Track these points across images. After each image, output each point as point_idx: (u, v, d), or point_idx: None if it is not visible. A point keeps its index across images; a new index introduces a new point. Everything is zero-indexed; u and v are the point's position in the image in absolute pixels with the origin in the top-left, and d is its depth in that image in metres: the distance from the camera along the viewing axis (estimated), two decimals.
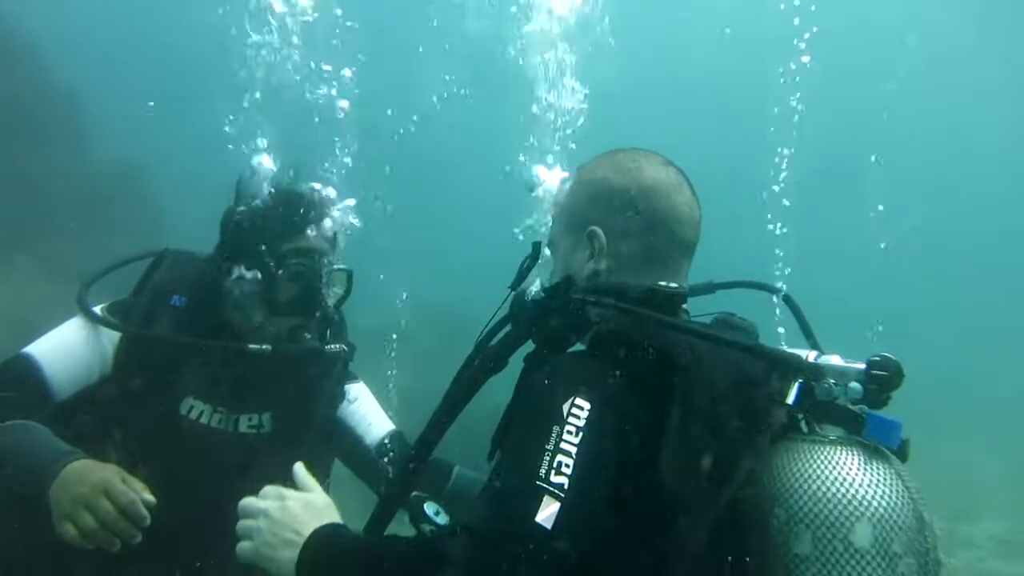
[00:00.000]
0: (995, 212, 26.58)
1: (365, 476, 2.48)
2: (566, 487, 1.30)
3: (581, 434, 1.35)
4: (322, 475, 2.42)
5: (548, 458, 1.33)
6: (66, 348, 2.18)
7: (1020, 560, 8.54)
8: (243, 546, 1.58)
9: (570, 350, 1.60)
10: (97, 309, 2.23)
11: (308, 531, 1.51)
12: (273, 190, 2.32)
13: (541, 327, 1.61)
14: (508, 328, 1.72)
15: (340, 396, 2.43)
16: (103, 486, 1.82)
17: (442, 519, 1.95)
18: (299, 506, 1.58)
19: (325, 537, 1.50)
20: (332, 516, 1.58)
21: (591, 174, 1.73)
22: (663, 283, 1.60)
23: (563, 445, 1.34)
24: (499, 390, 1.64)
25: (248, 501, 1.62)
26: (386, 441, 2.43)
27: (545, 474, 1.31)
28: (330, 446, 2.44)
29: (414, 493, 1.94)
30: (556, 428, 1.36)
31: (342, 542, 1.49)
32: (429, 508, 1.91)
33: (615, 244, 1.64)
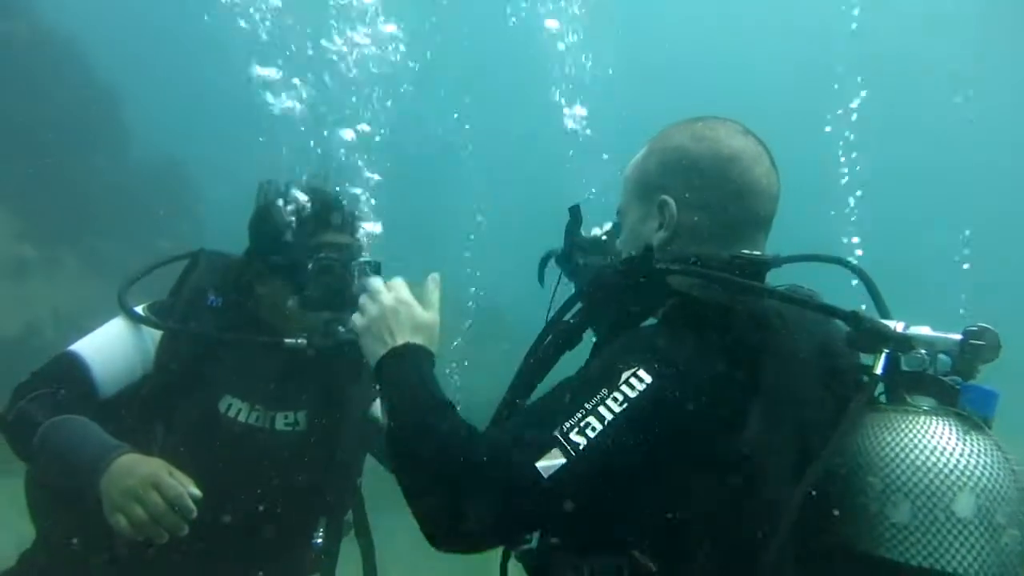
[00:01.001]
0: None
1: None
2: (580, 448, 1.29)
3: (626, 405, 1.32)
4: (356, 473, 2.45)
5: (580, 415, 1.32)
6: (110, 346, 2.22)
7: None
8: (355, 318, 1.73)
9: (645, 324, 1.58)
10: (139, 309, 2.27)
11: (399, 340, 1.61)
12: (298, 189, 2.35)
13: (620, 299, 1.57)
14: (579, 304, 1.68)
15: (373, 394, 2.43)
16: (152, 479, 1.84)
17: None
18: (406, 313, 1.67)
19: (404, 357, 1.60)
20: (428, 337, 1.66)
21: (665, 142, 1.66)
22: (746, 251, 1.55)
23: (601, 408, 1.32)
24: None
25: (375, 283, 1.75)
26: None
27: (567, 429, 1.30)
28: (364, 444, 2.45)
29: None
30: (605, 390, 1.34)
31: (411, 371, 1.57)
32: None
33: (686, 214, 1.58)
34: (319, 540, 2.36)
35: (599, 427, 1.31)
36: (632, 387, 1.34)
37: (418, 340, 1.64)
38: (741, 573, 1.32)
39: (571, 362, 1.62)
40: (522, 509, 1.31)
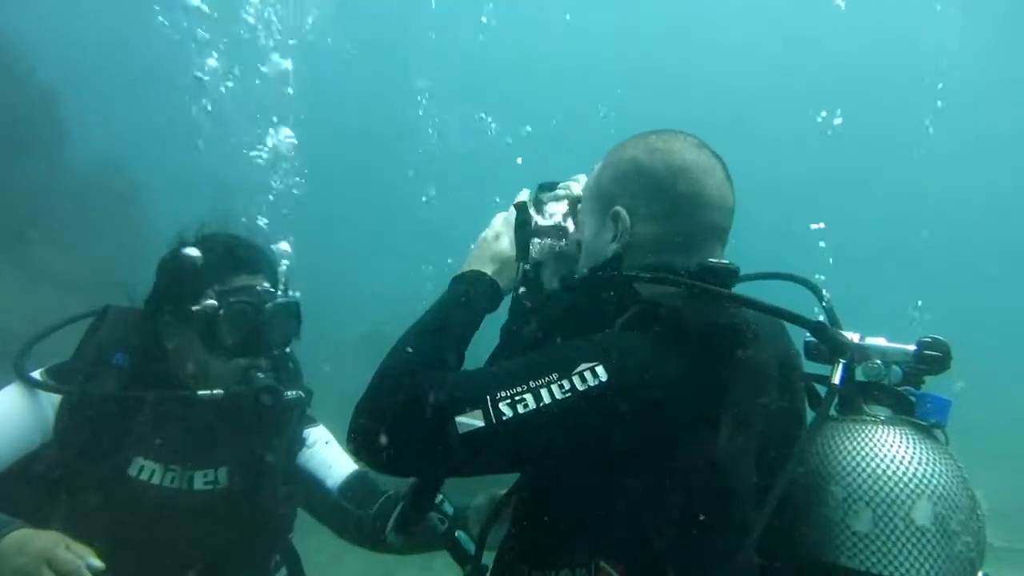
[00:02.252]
0: None
1: (329, 521, 2.39)
2: (503, 419, 1.31)
3: (569, 395, 1.33)
4: (287, 528, 2.34)
5: (519, 390, 1.34)
6: (3, 416, 2.07)
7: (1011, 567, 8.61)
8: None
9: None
10: (36, 374, 2.13)
11: (467, 267, 1.72)
12: (202, 235, 2.26)
13: (581, 308, 1.58)
14: (537, 311, 1.68)
15: (299, 444, 2.33)
16: (45, 555, 1.73)
17: (447, 507, 1.94)
18: (487, 244, 1.76)
19: (454, 289, 1.67)
20: (495, 263, 1.72)
21: (620, 154, 1.67)
22: (714, 260, 1.56)
23: (543, 391, 1.33)
24: None
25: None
26: (350, 482, 2.34)
27: (500, 397, 1.33)
28: (292, 495, 2.34)
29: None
30: (555, 375, 1.35)
31: (447, 297, 1.64)
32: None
33: (640, 226, 1.59)
34: None
35: (532, 406, 1.32)
36: (584, 380, 1.34)
37: (488, 269, 1.71)
38: None
39: None
40: (427, 451, 1.36)
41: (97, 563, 1.75)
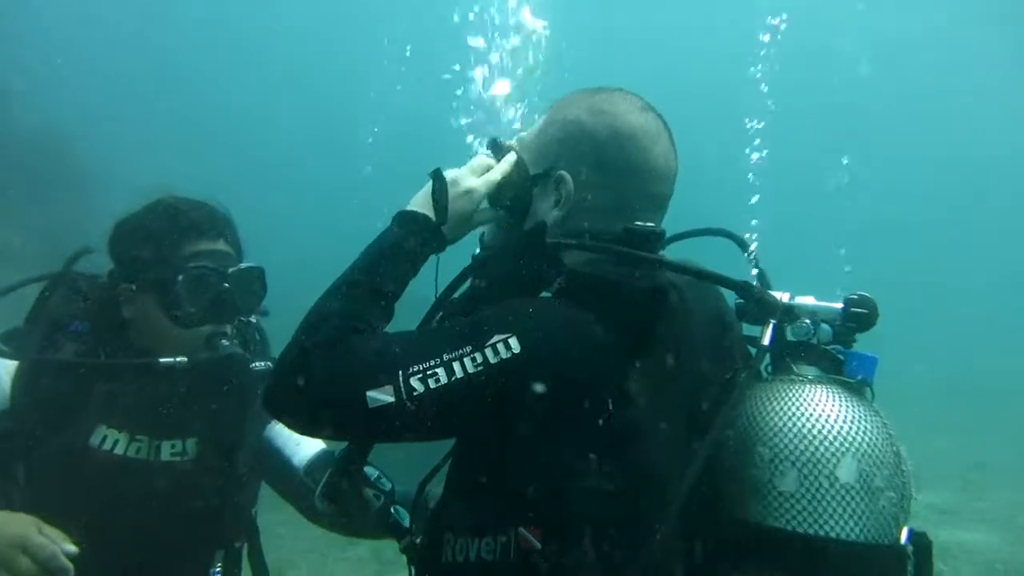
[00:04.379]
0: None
1: (292, 498, 2.34)
2: (414, 394, 1.31)
3: (481, 367, 1.32)
4: (251, 502, 2.30)
5: (431, 363, 1.33)
6: None
7: (954, 527, 8.94)
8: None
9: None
10: None
11: (418, 207, 1.59)
12: (159, 200, 2.18)
13: (510, 275, 1.54)
14: (469, 281, 1.63)
15: (267, 417, 2.26)
16: (19, 541, 1.68)
17: (385, 483, 1.92)
18: (454, 186, 1.60)
19: (397, 234, 1.56)
20: (463, 202, 1.59)
21: (563, 113, 1.62)
22: (639, 223, 1.53)
23: (455, 364, 1.32)
24: None
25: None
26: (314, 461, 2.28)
27: (412, 372, 1.32)
28: (257, 469, 2.29)
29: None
30: (469, 347, 1.33)
31: (385, 239, 1.56)
32: (371, 472, 1.86)
33: (582, 192, 1.55)
34: (217, 572, 2.19)
35: (443, 381, 1.31)
36: (497, 352, 1.32)
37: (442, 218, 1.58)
38: (630, 548, 1.31)
39: None
40: (339, 421, 1.37)
41: (71, 547, 1.71)
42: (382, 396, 1.31)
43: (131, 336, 2.14)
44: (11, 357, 2.03)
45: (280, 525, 2.37)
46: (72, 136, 14.56)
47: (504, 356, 1.32)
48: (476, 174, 1.63)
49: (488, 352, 1.32)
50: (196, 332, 2.10)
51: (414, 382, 1.32)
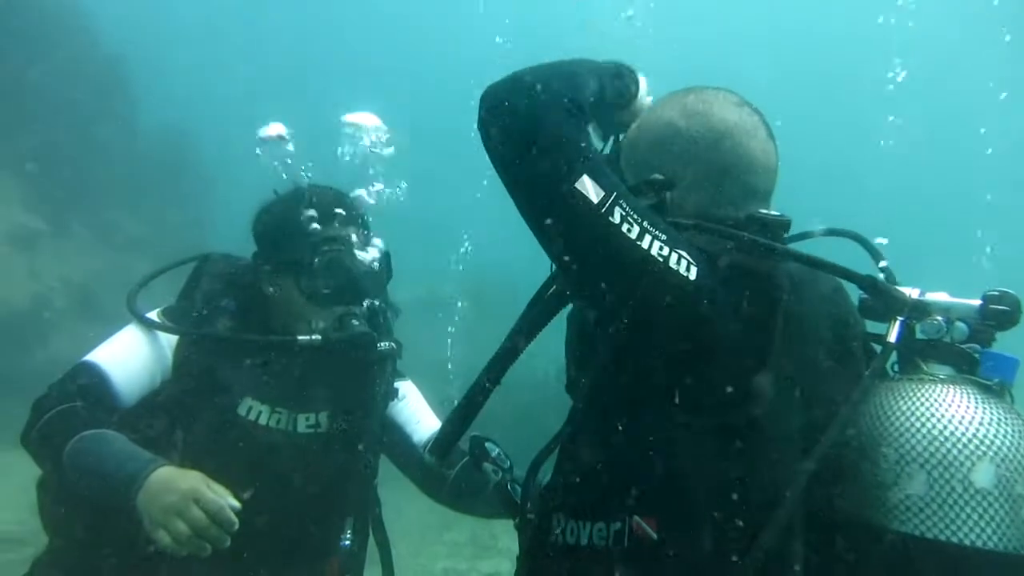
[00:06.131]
0: None
1: (413, 475, 2.48)
2: (609, 219, 1.30)
3: (661, 261, 1.31)
4: (374, 474, 2.40)
5: (635, 216, 1.32)
6: (128, 355, 2.19)
7: None
8: None
9: None
10: (152, 315, 2.24)
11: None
12: (291, 189, 2.35)
13: None
14: None
15: (392, 394, 2.40)
16: (193, 494, 1.85)
17: (504, 460, 1.95)
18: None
19: (607, 64, 1.62)
20: (629, 117, 1.66)
21: (657, 116, 1.60)
22: (763, 211, 1.49)
23: (647, 236, 1.32)
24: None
25: None
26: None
27: (619, 203, 1.31)
28: (380, 443, 2.41)
29: (474, 434, 1.93)
30: (664, 236, 1.33)
31: (604, 74, 1.58)
32: (491, 448, 1.93)
33: (681, 193, 1.52)
34: (347, 542, 2.32)
35: (631, 237, 1.29)
36: (679, 262, 1.31)
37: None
38: (745, 543, 1.27)
39: None
40: (545, 174, 1.31)
41: (236, 503, 1.88)
42: (588, 191, 1.29)
43: (270, 312, 2.31)
44: (174, 332, 2.23)
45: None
46: (197, 132, 15.42)
47: (679, 270, 1.31)
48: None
49: (674, 255, 1.31)
50: (330, 311, 2.26)
51: (617, 211, 1.29)
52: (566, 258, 1.35)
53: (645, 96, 1.70)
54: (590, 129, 1.48)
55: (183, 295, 2.37)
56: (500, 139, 1.36)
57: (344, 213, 2.31)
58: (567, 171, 1.29)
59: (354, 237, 2.32)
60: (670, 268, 1.30)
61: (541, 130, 1.31)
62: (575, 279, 1.42)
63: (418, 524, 7.07)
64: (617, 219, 1.28)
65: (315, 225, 2.26)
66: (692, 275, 1.31)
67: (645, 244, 1.29)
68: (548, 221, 1.33)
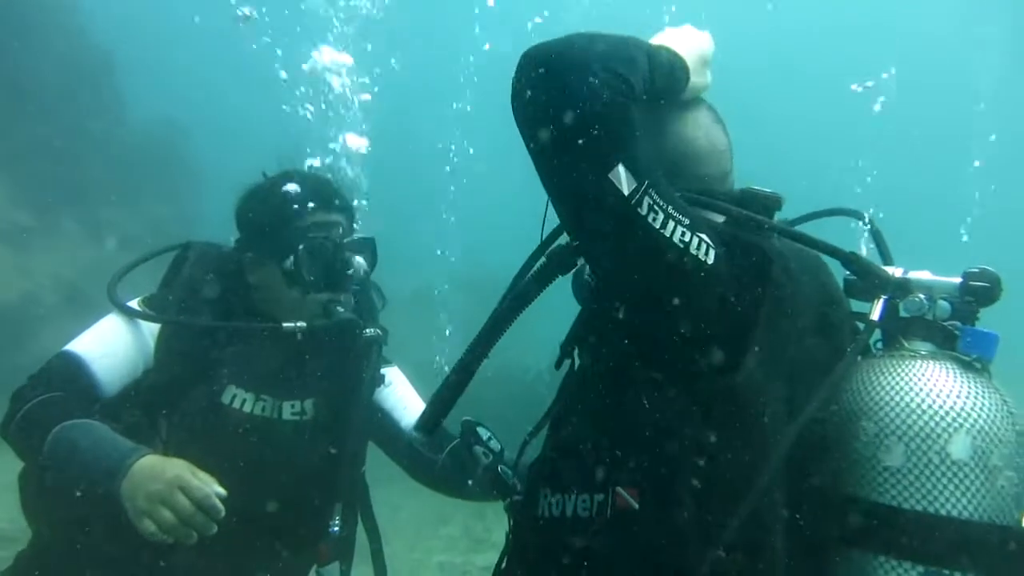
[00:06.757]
0: None
1: (400, 460, 2.47)
2: (637, 211, 1.25)
3: (682, 248, 1.29)
4: (361, 461, 2.40)
5: (663, 204, 1.28)
6: (110, 344, 2.17)
7: None
8: None
9: None
10: (134, 303, 2.22)
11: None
12: (276, 175, 2.32)
13: None
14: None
15: (378, 380, 2.39)
16: (178, 481, 1.84)
17: (495, 444, 1.97)
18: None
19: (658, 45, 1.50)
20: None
21: None
22: (756, 188, 1.51)
23: (671, 223, 1.28)
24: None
25: None
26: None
27: (649, 191, 1.26)
28: (367, 429, 2.40)
29: (465, 418, 1.96)
30: (687, 222, 1.30)
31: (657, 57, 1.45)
32: (483, 432, 1.95)
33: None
34: (335, 528, 2.31)
35: (656, 226, 1.26)
36: (699, 247, 1.30)
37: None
38: (726, 515, 1.27)
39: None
40: (569, 129, 1.24)
41: (222, 490, 1.88)
42: (621, 182, 1.23)
43: (254, 300, 2.29)
44: (155, 320, 2.20)
45: (374, 505, 2.48)
46: (187, 127, 15.35)
47: (699, 256, 1.30)
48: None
49: (695, 240, 1.29)
50: (314, 299, 2.24)
51: (646, 201, 1.25)
52: (587, 238, 1.36)
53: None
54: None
55: (164, 283, 2.34)
56: (540, 109, 1.27)
57: (330, 199, 2.29)
58: (605, 160, 1.24)
59: (339, 221, 2.29)
60: (689, 253, 1.29)
61: (589, 112, 1.23)
62: (593, 259, 1.43)
63: (414, 519, 7.11)
64: (645, 209, 1.25)
65: (300, 210, 2.23)
66: (710, 259, 1.31)
67: (668, 232, 1.27)
68: (575, 204, 1.31)
